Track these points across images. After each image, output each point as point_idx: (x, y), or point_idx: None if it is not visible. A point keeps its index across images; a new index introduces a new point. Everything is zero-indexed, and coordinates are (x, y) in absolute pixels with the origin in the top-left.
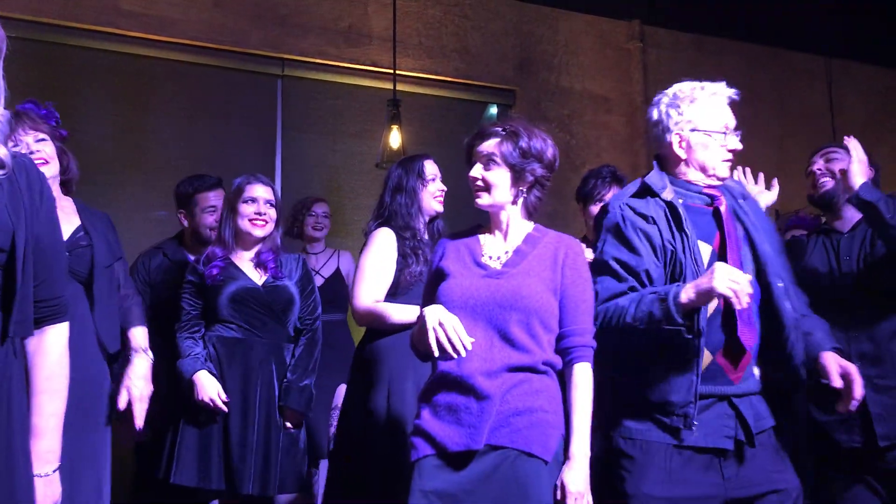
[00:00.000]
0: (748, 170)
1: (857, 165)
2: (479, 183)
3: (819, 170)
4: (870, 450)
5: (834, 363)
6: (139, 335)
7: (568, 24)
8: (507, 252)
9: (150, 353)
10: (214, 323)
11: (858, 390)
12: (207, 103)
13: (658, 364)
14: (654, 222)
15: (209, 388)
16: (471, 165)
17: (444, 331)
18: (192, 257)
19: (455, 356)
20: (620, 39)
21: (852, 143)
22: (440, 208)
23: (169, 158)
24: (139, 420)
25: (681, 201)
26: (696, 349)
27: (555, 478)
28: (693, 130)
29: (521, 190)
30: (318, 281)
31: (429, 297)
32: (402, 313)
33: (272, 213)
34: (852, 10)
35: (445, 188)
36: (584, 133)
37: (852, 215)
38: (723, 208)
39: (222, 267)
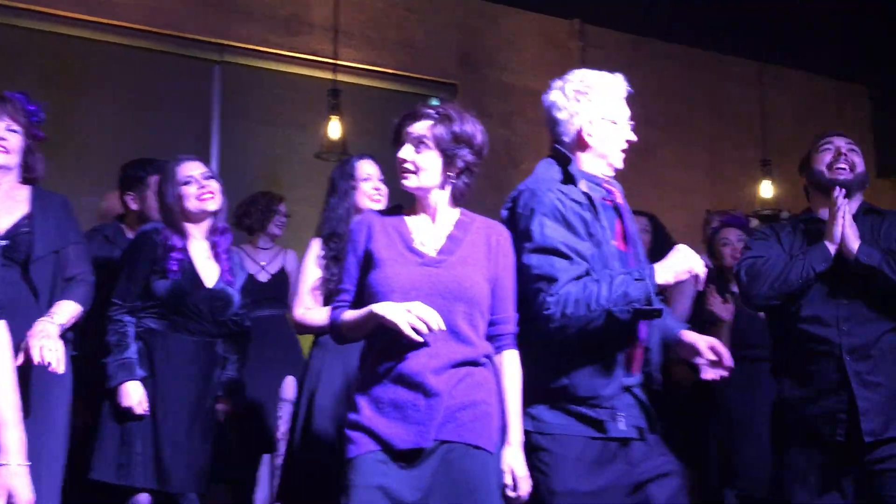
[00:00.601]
0: None
1: (850, 229)
2: (409, 165)
3: (846, 154)
4: (852, 445)
5: (698, 336)
6: (63, 308)
7: (510, 20)
8: (439, 238)
9: (61, 328)
10: (148, 310)
11: (728, 360)
12: (142, 88)
13: (588, 356)
14: (586, 210)
15: (133, 397)
16: (399, 146)
17: (416, 316)
18: None
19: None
20: (562, 38)
21: (840, 200)
22: (377, 207)
23: (101, 143)
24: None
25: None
26: (632, 339)
27: (499, 467)
28: (602, 119)
29: (451, 175)
30: (264, 277)
31: (359, 282)
32: (321, 315)
33: (214, 184)
34: (785, 17)
35: (382, 187)
36: (524, 130)
37: (852, 207)
38: (620, 202)
39: (180, 260)
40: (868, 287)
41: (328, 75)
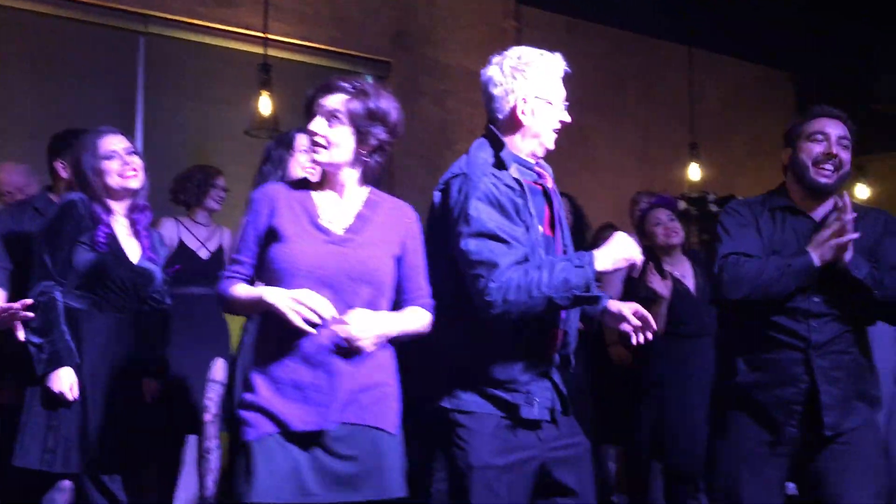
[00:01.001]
0: None
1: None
2: (320, 139)
3: (838, 153)
4: (806, 439)
5: (622, 304)
6: None
7: None
8: (347, 216)
9: None
10: (69, 285)
11: (653, 323)
12: (62, 59)
13: (508, 340)
14: (517, 196)
15: (64, 382)
16: (311, 118)
17: (306, 306)
18: None
19: (315, 330)
20: (496, 17)
21: (849, 223)
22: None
23: (21, 116)
24: None
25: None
26: (551, 323)
27: (402, 447)
28: (536, 98)
29: (363, 153)
30: (205, 254)
31: (259, 256)
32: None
33: (137, 160)
34: (714, 3)
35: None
36: (458, 109)
37: (823, 208)
38: (550, 186)
39: (108, 233)
40: (838, 287)
41: (259, 50)
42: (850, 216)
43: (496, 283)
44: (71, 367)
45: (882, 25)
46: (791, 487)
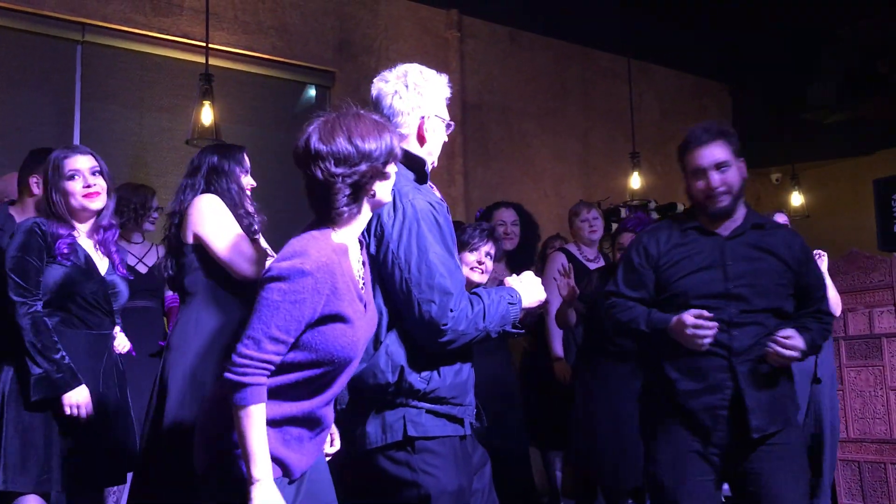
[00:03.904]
0: None
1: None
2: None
3: (718, 187)
4: (731, 440)
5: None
6: None
7: (388, 8)
8: (360, 273)
9: None
10: (64, 309)
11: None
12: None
13: (451, 357)
14: (443, 215)
15: (82, 400)
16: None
17: None
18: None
19: None
20: (439, 28)
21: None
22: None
23: None
24: None
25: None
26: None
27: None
28: (436, 115)
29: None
30: (143, 268)
31: (301, 340)
32: None
33: (101, 182)
34: (652, 15)
35: (255, 184)
36: None
37: (737, 218)
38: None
39: (70, 244)
40: (753, 301)
41: (200, 59)
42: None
43: (454, 313)
44: (82, 386)
45: (811, 37)
46: (726, 489)
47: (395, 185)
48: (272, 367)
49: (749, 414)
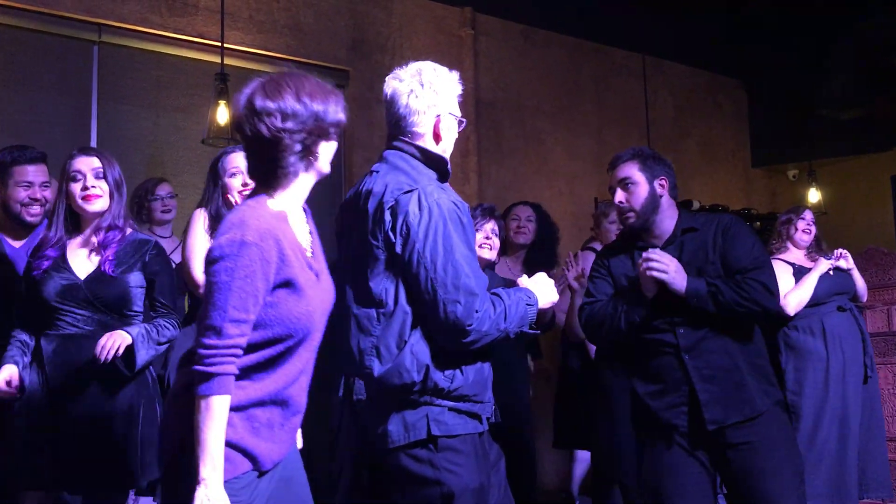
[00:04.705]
0: None
1: (675, 274)
2: None
3: (620, 203)
4: (700, 434)
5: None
6: None
7: (402, 6)
8: (308, 242)
9: None
10: (46, 318)
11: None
12: (15, 68)
13: (471, 355)
14: (465, 215)
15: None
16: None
17: None
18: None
19: None
20: (453, 25)
21: (645, 265)
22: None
23: None
24: None
25: None
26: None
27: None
28: (450, 114)
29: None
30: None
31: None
32: None
33: (103, 185)
34: (666, 11)
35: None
36: None
37: (664, 231)
38: None
39: (54, 257)
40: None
41: (215, 58)
42: (651, 255)
43: (479, 314)
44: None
45: (827, 32)
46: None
47: (419, 183)
48: (240, 352)
49: (702, 407)
